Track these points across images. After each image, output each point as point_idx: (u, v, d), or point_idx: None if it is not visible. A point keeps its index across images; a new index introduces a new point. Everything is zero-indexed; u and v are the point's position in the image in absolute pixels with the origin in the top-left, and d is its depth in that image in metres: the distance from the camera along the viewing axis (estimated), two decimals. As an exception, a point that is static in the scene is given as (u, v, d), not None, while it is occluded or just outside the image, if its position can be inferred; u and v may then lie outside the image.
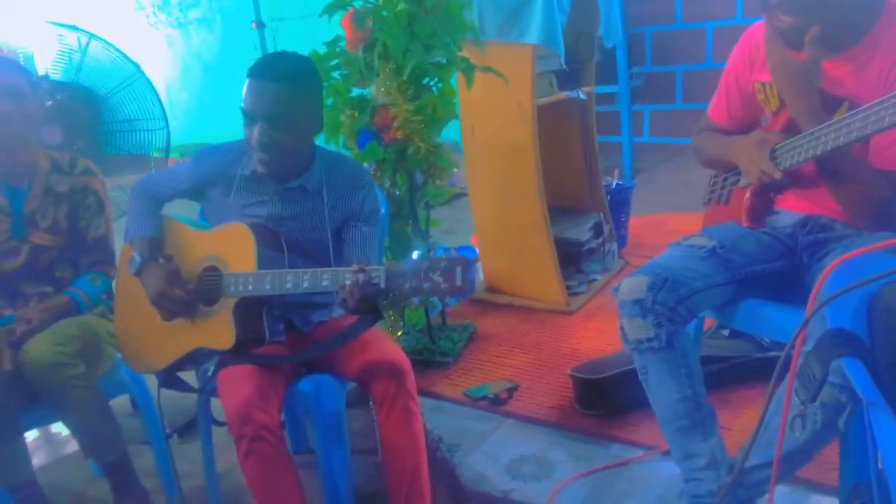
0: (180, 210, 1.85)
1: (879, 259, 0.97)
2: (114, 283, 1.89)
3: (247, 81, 1.57)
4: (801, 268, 1.54)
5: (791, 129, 1.47)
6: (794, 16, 1.36)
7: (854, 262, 0.91)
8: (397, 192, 2.35)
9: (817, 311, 0.85)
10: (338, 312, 1.79)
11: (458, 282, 1.36)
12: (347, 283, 1.42)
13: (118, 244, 1.89)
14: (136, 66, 2.46)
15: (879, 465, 0.87)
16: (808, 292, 1.41)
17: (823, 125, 1.33)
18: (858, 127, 1.23)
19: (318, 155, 1.72)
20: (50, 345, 1.66)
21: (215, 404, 1.73)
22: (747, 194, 1.58)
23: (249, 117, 1.57)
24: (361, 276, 1.40)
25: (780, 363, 0.91)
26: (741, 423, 1.98)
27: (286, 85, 1.56)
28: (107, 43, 2.42)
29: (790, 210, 1.60)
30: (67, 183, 1.90)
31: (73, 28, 2.41)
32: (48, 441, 2.45)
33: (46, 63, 2.46)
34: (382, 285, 1.40)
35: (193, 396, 1.78)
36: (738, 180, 1.62)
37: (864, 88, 1.39)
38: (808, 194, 1.54)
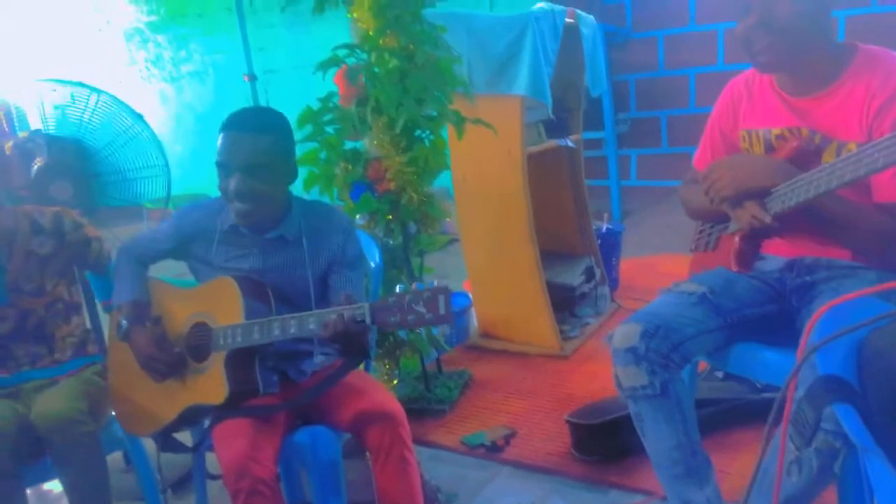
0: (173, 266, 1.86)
1: (867, 304, 1.00)
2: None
3: (221, 136, 1.61)
4: (792, 311, 1.56)
5: None
6: (772, 56, 1.46)
7: (842, 308, 0.93)
8: (391, 242, 2.37)
9: (807, 357, 0.87)
10: (320, 358, 1.79)
11: (442, 310, 1.38)
12: (332, 318, 1.43)
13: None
14: (139, 116, 2.49)
15: (876, 510, 0.88)
16: (798, 335, 1.43)
17: (816, 169, 1.35)
18: (851, 170, 1.24)
19: (294, 203, 1.74)
20: (65, 400, 1.65)
21: (209, 458, 1.72)
22: (736, 240, 1.61)
23: (225, 169, 1.60)
24: (344, 315, 1.42)
25: (774, 410, 0.93)
26: (738, 466, 1.98)
27: (259, 135, 1.60)
28: (110, 96, 2.45)
29: (776, 255, 1.63)
30: (52, 244, 1.86)
31: (79, 84, 2.44)
32: (40, 499, 2.40)
33: (45, 117, 2.49)
34: (368, 321, 1.42)
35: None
36: (726, 227, 1.65)
37: (844, 122, 1.44)
38: (792, 238, 1.57)
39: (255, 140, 1.59)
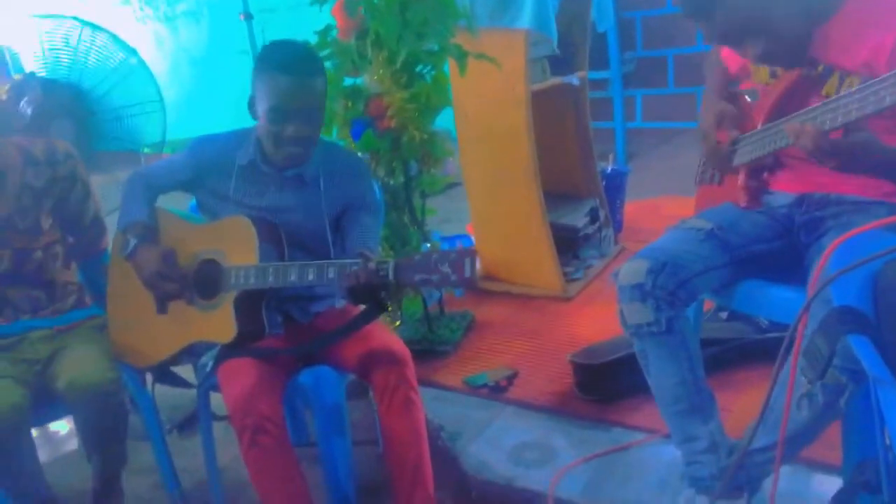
0: (171, 203, 1.82)
1: (880, 236, 0.97)
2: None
3: (271, 77, 1.55)
4: (800, 247, 1.53)
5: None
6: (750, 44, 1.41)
7: (855, 241, 0.91)
8: (392, 182, 2.33)
9: (823, 288, 0.85)
10: (340, 303, 1.78)
11: (468, 273, 1.36)
12: (354, 269, 1.41)
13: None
14: (133, 51, 2.43)
15: (887, 442, 0.87)
16: (806, 272, 1.42)
17: (819, 104, 1.29)
18: (857, 107, 1.19)
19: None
20: (96, 369, 1.62)
21: (215, 399, 1.72)
22: (742, 175, 1.57)
23: (283, 114, 1.56)
24: (370, 266, 1.40)
25: (785, 344, 0.91)
26: (741, 404, 1.98)
27: (315, 78, 1.58)
28: (100, 29, 2.38)
29: (784, 191, 1.59)
30: (47, 175, 1.78)
31: (74, 18, 2.37)
32: (48, 440, 2.43)
33: (43, 57, 2.43)
34: (391, 277, 1.40)
35: (192, 392, 1.77)
36: (731, 159, 1.62)
37: (848, 53, 1.38)
38: (800, 174, 1.54)
39: (314, 84, 1.57)
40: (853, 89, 1.20)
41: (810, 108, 1.30)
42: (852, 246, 0.91)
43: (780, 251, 1.55)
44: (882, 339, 0.81)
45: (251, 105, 1.62)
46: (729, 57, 1.68)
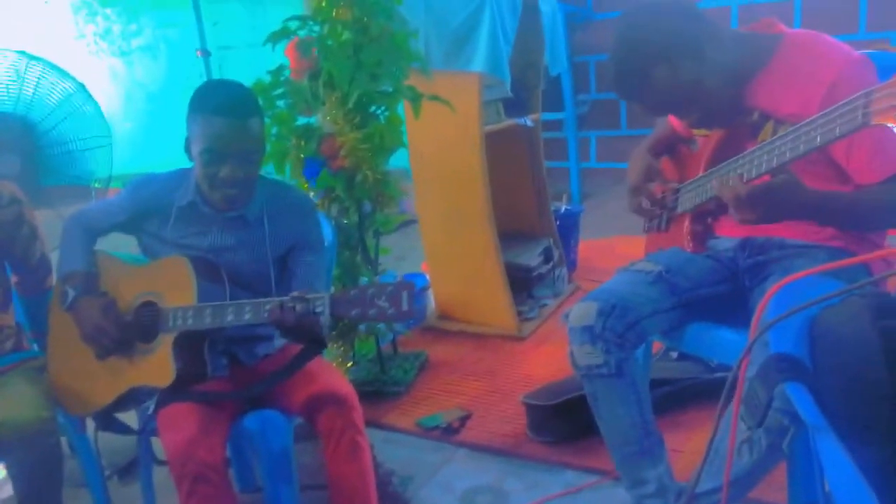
0: (120, 244, 1.78)
1: (819, 282, 0.99)
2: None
3: (204, 119, 1.53)
4: (745, 290, 1.56)
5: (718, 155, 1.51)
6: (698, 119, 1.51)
7: (795, 286, 0.92)
8: (345, 221, 2.32)
9: (759, 336, 0.86)
10: (279, 342, 1.74)
11: (405, 306, 1.35)
12: (279, 309, 1.40)
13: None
14: (81, 85, 2.38)
15: (826, 489, 0.88)
16: (751, 315, 1.43)
17: (757, 147, 1.31)
18: (791, 147, 1.20)
19: (259, 183, 1.69)
20: (29, 408, 1.56)
21: (158, 444, 1.67)
22: (686, 221, 1.61)
23: (217, 156, 1.53)
24: (300, 305, 1.38)
25: (726, 389, 0.92)
26: (692, 445, 1.99)
27: (250, 119, 1.55)
28: (48, 63, 2.34)
29: (728, 235, 1.62)
30: None
31: (22, 53, 2.32)
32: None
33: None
34: (327, 312, 1.38)
35: (135, 436, 1.70)
36: (675, 208, 1.65)
37: (783, 101, 1.41)
38: None
39: (248, 125, 1.55)
40: (786, 132, 1.23)
41: (745, 153, 1.33)
42: (791, 292, 0.92)
43: (727, 294, 1.57)
44: (818, 386, 0.82)
45: (187, 146, 1.60)
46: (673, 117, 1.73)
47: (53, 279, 1.87)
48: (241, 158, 1.55)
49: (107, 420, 1.64)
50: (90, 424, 1.72)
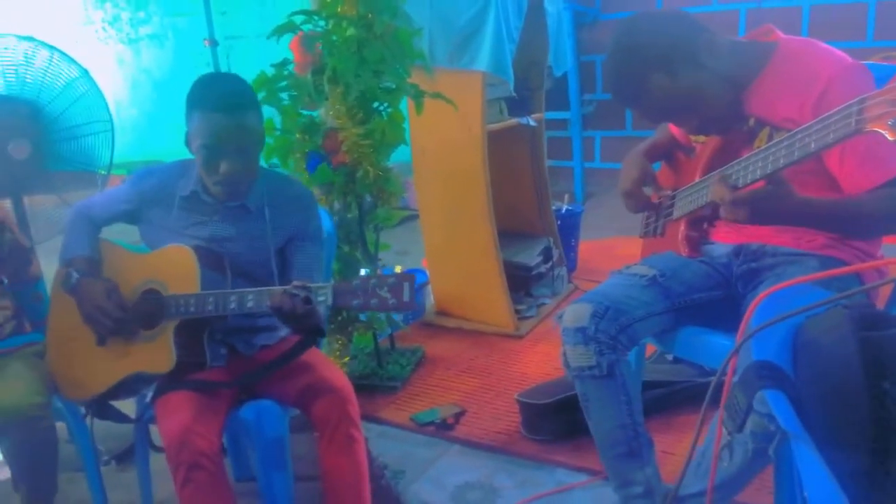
0: (121, 235, 1.81)
1: (807, 291, 1.00)
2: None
3: (202, 115, 1.54)
4: (738, 297, 1.58)
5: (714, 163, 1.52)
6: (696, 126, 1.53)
7: (781, 294, 0.94)
8: (347, 216, 2.33)
9: (744, 342, 0.87)
10: (279, 334, 1.77)
11: (406, 297, 1.37)
12: (287, 298, 1.41)
13: (51, 269, 1.82)
14: (84, 70, 2.40)
15: (805, 495, 0.89)
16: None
17: (752, 153, 1.32)
18: (785, 154, 1.21)
19: (260, 174, 1.71)
20: (24, 393, 1.58)
21: (155, 431, 1.69)
22: (682, 226, 1.62)
23: (215, 151, 1.55)
24: (304, 294, 1.40)
25: (710, 394, 0.93)
26: (682, 447, 2.01)
27: (247, 113, 1.57)
28: (56, 49, 2.36)
29: (723, 241, 1.64)
30: None
31: (29, 39, 2.34)
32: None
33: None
34: (330, 303, 1.40)
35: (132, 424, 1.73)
36: (670, 213, 1.66)
37: (777, 107, 1.43)
38: (737, 225, 1.58)
39: (246, 120, 1.56)
40: (781, 138, 1.25)
41: (740, 159, 1.35)
42: (778, 299, 0.94)
43: (720, 300, 1.59)
44: (799, 394, 0.83)
45: (187, 140, 1.61)
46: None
47: (39, 269, 1.90)
48: (240, 152, 1.56)
49: (102, 408, 1.66)
50: (83, 411, 1.75)
